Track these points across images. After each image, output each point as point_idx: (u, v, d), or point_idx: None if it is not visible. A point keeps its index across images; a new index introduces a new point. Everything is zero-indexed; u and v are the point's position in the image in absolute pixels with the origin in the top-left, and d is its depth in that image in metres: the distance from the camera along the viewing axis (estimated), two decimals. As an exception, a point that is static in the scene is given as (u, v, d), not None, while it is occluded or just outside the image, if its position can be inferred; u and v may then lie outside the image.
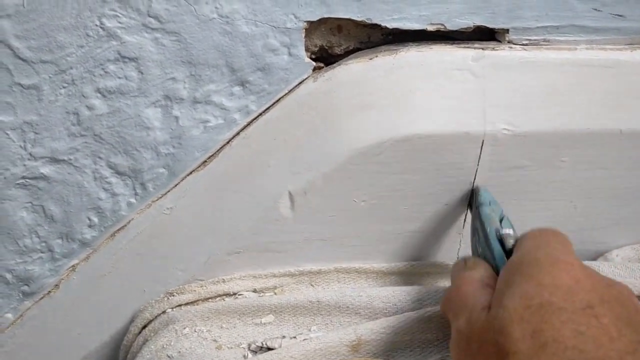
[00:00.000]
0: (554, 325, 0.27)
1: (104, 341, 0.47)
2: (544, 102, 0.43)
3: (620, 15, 0.43)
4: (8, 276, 0.46)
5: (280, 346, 0.40)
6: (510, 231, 0.36)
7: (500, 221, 0.38)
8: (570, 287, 0.28)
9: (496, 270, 0.35)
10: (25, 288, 0.47)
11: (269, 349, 0.40)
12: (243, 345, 0.41)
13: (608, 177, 0.45)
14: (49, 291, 0.47)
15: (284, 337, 0.41)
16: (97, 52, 0.40)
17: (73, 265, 0.46)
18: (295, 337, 0.40)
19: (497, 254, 0.35)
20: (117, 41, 0.39)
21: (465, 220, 0.46)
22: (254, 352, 0.40)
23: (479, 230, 0.39)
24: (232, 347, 0.41)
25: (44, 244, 0.46)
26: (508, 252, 0.35)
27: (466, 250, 0.45)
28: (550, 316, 0.27)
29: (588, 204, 0.46)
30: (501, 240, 0.36)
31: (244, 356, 0.40)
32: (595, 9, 0.43)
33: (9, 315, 0.47)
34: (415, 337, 0.41)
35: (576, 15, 0.43)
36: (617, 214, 0.48)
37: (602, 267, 0.45)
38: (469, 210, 0.45)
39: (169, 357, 0.40)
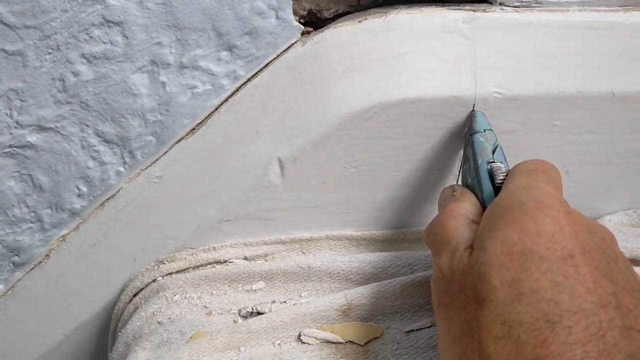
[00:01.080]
0: (532, 274, 0.27)
1: (95, 311, 0.47)
2: (535, 65, 0.42)
3: (613, -24, 0.43)
4: (-2, 247, 0.46)
5: (270, 310, 0.40)
6: (502, 165, 0.35)
7: (493, 151, 0.37)
8: (552, 235, 0.28)
9: (483, 206, 0.34)
10: (16, 259, 0.46)
11: (259, 313, 0.40)
12: (233, 311, 0.41)
13: (601, 141, 0.45)
14: (40, 261, 0.47)
15: (274, 302, 0.41)
16: (81, 17, 0.39)
17: (63, 235, 0.46)
18: (285, 302, 0.40)
19: (485, 190, 0.35)
20: (101, 5, 0.39)
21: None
22: (244, 317, 0.40)
23: (470, 159, 0.38)
24: (222, 313, 0.41)
25: (33, 214, 0.45)
26: (497, 187, 0.34)
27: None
28: (530, 265, 0.27)
29: (581, 169, 0.46)
30: (491, 173, 0.35)
31: (234, 321, 0.40)
32: (588, -30, 0.42)
33: (0, 287, 0.47)
34: (406, 301, 0.41)
35: (568, -24, 0.42)
36: (610, 179, 0.47)
37: (594, 232, 0.45)
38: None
39: (159, 323, 0.40)
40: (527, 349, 0.25)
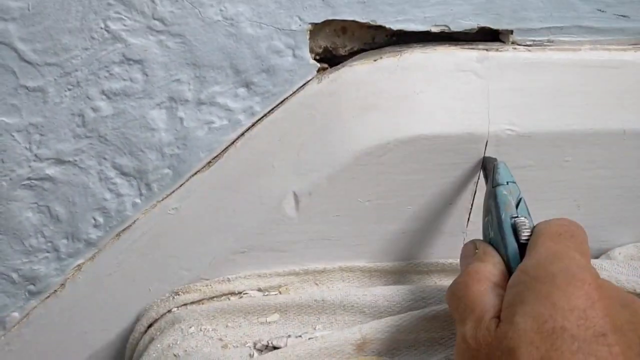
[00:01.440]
0: (563, 354, 0.27)
1: (110, 340, 0.48)
2: (547, 102, 0.43)
3: (624, 16, 0.43)
4: (14, 276, 0.46)
5: (285, 345, 0.40)
6: (526, 220, 0.35)
7: (517, 205, 0.36)
8: (584, 311, 0.28)
9: (507, 265, 0.34)
10: (32, 287, 0.47)
11: (275, 347, 0.40)
12: (249, 344, 0.41)
13: (611, 176, 0.45)
14: (55, 290, 0.47)
15: (289, 336, 0.41)
16: (102, 55, 0.40)
17: (79, 265, 0.47)
18: (300, 336, 0.41)
19: (510, 246, 0.34)
20: (122, 43, 0.39)
21: (469, 219, 0.46)
22: (260, 350, 0.41)
23: (492, 212, 0.37)
24: (237, 346, 0.41)
25: (49, 244, 0.46)
26: (521, 244, 0.34)
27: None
28: (562, 344, 0.27)
29: (591, 203, 0.47)
30: (515, 229, 0.34)
31: (250, 355, 0.40)
32: (599, 10, 0.43)
33: (16, 314, 0.48)
34: (420, 335, 0.41)
35: (580, 16, 0.43)
36: (620, 212, 0.48)
37: (604, 265, 0.46)
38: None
39: (175, 355, 0.41)
40: None
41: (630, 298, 0.30)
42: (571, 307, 0.28)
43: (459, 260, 0.43)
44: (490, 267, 0.34)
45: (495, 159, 0.41)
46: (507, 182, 0.38)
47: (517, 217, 0.35)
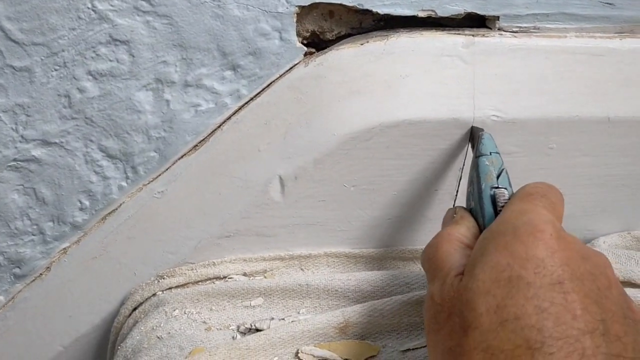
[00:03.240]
0: (518, 301, 0.27)
1: (95, 323, 0.48)
2: (533, 89, 0.43)
3: (609, 4, 0.44)
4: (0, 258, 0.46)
5: (268, 327, 0.40)
6: (505, 190, 0.35)
7: (498, 175, 0.37)
8: (542, 260, 0.28)
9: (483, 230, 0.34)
10: (17, 270, 0.47)
11: (258, 330, 0.40)
12: (232, 327, 0.41)
13: (596, 164, 0.46)
14: (40, 274, 0.47)
15: (272, 319, 0.41)
16: (88, 35, 0.40)
17: (64, 248, 0.47)
18: (283, 319, 0.41)
19: (487, 215, 0.35)
20: (108, 24, 0.40)
21: (454, 206, 0.46)
22: (243, 333, 0.41)
23: (474, 183, 0.38)
24: (221, 329, 0.41)
25: (35, 227, 0.46)
26: (499, 212, 0.34)
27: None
28: (517, 292, 0.27)
29: (576, 191, 0.47)
30: (494, 199, 0.35)
31: (233, 337, 0.40)
32: (585, -3, 0.43)
33: (1, 298, 0.48)
34: (403, 320, 0.41)
35: (566, 3, 0.43)
36: (605, 201, 0.48)
37: (588, 253, 0.46)
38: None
39: (158, 338, 0.41)
40: None
41: (592, 252, 0.30)
42: (529, 256, 0.28)
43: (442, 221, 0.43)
44: (464, 229, 0.35)
45: (481, 129, 0.41)
46: (490, 153, 0.38)
47: (497, 187, 0.36)
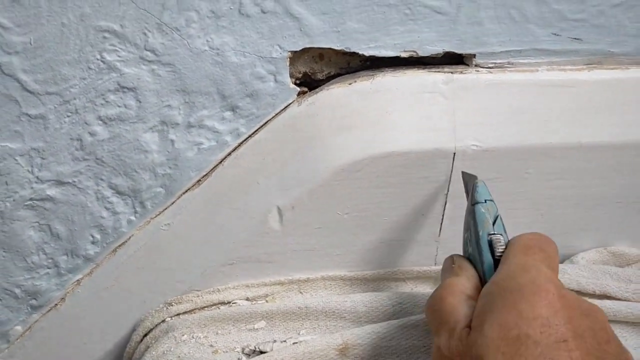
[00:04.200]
0: (527, 359, 0.29)
1: (108, 349, 0.51)
2: (509, 119, 0.46)
3: (577, 39, 0.47)
4: (17, 291, 0.49)
5: (271, 349, 0.43)
6: (501, 237, 0.37)
7: (494, 222, 0.39)
8: (547, 319, 0.30)
9: (482, 278, 0.36)
10: (34, 302, 0.50)
11: (262, 352, 0.43)
12: (237, 349, 0.44)
13: (570, 186, 0.49)
14: (56, 304, 0.50)
15: (275, 341, 0.44)
16: (98, 83, 0.43)
17: (78, 280, 0.50)
18: (285, 341, 0.44)
19: (486, 261, 0.36)
20: (116, 73, 0.43)
21: (440, 229, 0.49)
22: (248, 355, 0.44)
23: (471, 229, 0.39)
24: (227, 352, 0.44)
25: (50, 261, 0.49)
26: (497, 259, 0.36)
27: (443, 256, 0.48)
28: (525, 350, 0.29)
29: (553, 211, 0.50)
30: (491, 245, 0.37)
31: (239, 359, 0.43)
32: (555, 34, 0.47)
33: (18, 328, 0.51)
34: (401, 343, 0.43)
35: (537, 40, 0.47)
36: (581, 220, 0.51)
37: (567, 269, 0.49)
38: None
39: (169, 362, 0.44)
40: None
41: (590, 307, 0.32)
42: (535, 315, 0.30)
43: (431, 267, 0.46)
44: (464, 280, 0.36)
45: (475, 177, 0.43)
46: (485, 200, 0.40)
47: (493, 234, 0.37)
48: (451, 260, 0.39)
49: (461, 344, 0.32)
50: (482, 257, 0.37)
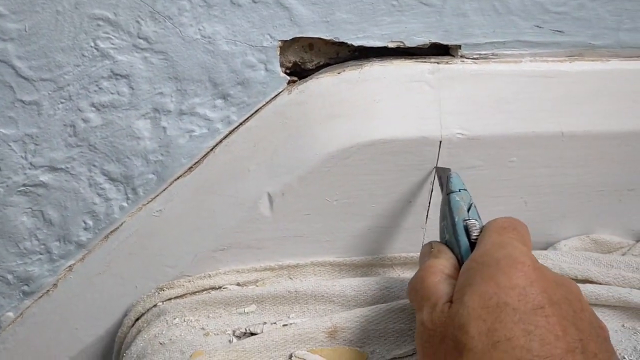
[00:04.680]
0: (506, 324, 0.30)
1: (100, 335, 0.51)
2: (493, 109, 0.48)
3: (559, 31, 0.49)
4: (9, 277, 0.50)
5: (262, 331, 0.44)
6: (476, 222, 0.39)
7: (469, 209, 0.40)
8: (524, 288, 0.31)
9: (460, 261, 0.38)
10: (26, 288, 0.50)
11: (252, 334, 0.44)
12: (228, 332, 0.45)
13: (553, 174, 0.50)
14: (48, 290, 0.51)
15: (265, 323, 0.45)
16: (91, 70, 0.44)
17: (70, 266, 0.50)
18: (275, 323, 0.45)
19: (462, 245, 0.38)
20: (110, 60, 0.44)
21: (427, 216, 0.51)
22: (239, 337, 0.45)
23: (447, 217, 0.41)
24: (218, 334, 0.45)
25: (43, 246, 0.49)
26: (473, 242, 0.38)
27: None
28: (505, 316, 0.30)
29: (536, 199, 0.52)
30: (467, 230, 0.38)
31: (230, 341, 0.44)
32: (537, 26, 0.48)
33: (10, 314, 0.51)
34: (389, 326, 0.44)
35: (520, 32, 0.48)
36: (564, 208, 0.53)
37: (550, 255, 0.50)
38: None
39: (161, 344, 0.45)
40: None
41: (564, 279, 0.34)
42: (512, 285, 0.31)
43: (418, 253, 0.47)
44: (444, 261, 0.38)
45: (449, 169, 0.45)
46: (460, 190, 0.42)
47: (468, 219, 0.39)
48: (429, 246, 0.41)
49: (443, 315, 0.33)
50: (459, 242, 0.38)
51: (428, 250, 0.40)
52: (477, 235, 0.38)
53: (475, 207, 0.41)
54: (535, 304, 0.31)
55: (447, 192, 0.43)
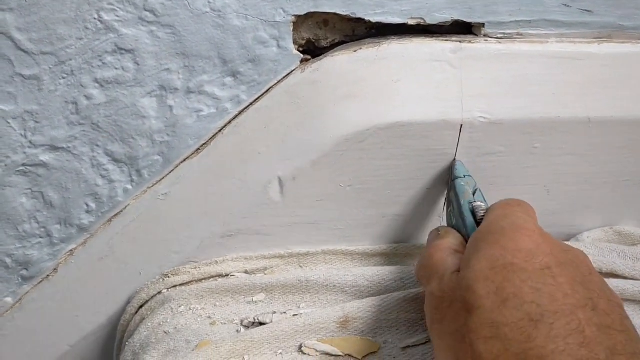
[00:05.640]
0: (514, 283, 0.30)
1: (101, 323, 0.49)
2: (517, 91, 0.45)
3: (588, 11, 0.46)
4: (8, 261, 0.48)
5: (271, 321, 0.42)
6: (482, 203, 0.39)
7: (474, 193, 0.41)
8: (530, 250, 0.31)
9: (467, 239, 0.38)
10: (25, 272, 0.49)
11: (261, 323, 0.42)
12: (236, 321, 0.43)
13: (578, 162, 0.48)
14: (48, 275, 0.49)
15: (274, 312, 0.43)
16: (95, 44, 0.42)
17: (71, 250, 0.48)
18: (285, 313, 0.43)
19: (469, 224, 0.38)
20: (114, 34, 0.42)
21: (444, 204, 0.48)
22: (247, 327, 0.43)
23: (453, 202, 0.42)
24: (225, 323, 0.43)
25: (43, 229, 0.47)
26: (479, 222, 0.38)
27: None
28: (512, 275, 0.30)
29: (560, 188, 0.49)
30: (473, 211, 0.39)
31: (237, 330, 0.42)
32: (565, 5, 0.46)
33: (9, 299, 0.49)
34: (401, 316, 0.43)
35: (547, 10, 0.46)
36: (588, 198, 0.50)
37: (573, 246, 0.48)
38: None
39: (165, 332, 0.43)
40: (514, 345, 0.28)
41: (571, 246, 0.34)
42: (519, 248, 0.32)
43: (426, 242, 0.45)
44: (451, 239, 0.39)
45: (453, 158, 0.46)
46: (464, 175, 0.43)
47: (474, 202, 0.40)
48: (436, 230, 0.41)
49: (452, 282, 0.33)
50: (465, 222, 0.39)
51: (435, 234, 0.41)
52: (484, 215, 0.38)
53: (480, 191, 0.42)
54: (542, 265, 0.31)
55: (452, 178, 0.44)
